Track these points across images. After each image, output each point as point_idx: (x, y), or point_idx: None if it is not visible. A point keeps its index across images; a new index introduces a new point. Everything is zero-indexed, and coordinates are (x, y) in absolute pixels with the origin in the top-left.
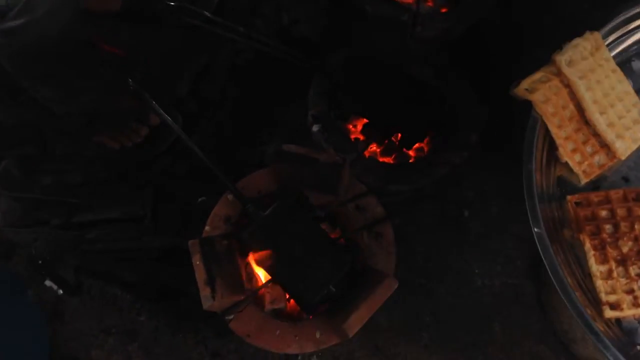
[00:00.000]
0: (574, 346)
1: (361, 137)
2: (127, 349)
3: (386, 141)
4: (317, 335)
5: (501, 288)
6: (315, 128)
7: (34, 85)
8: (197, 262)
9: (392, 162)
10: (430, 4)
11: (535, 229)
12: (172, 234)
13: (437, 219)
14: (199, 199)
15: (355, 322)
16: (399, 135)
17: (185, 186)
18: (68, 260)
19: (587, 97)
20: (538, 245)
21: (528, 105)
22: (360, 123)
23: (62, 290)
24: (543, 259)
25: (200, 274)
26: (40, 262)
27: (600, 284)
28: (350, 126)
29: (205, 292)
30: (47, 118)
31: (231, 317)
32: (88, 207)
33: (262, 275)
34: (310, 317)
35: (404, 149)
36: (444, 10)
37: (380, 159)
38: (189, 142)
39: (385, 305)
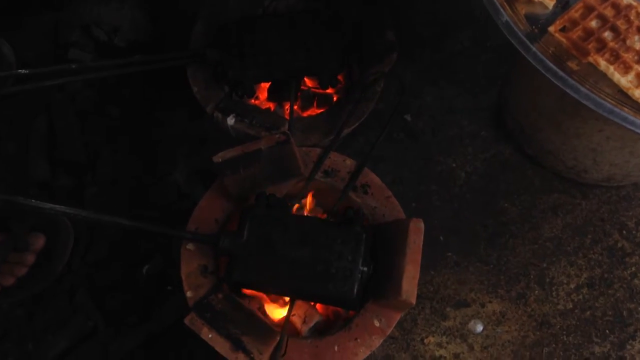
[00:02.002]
0: (585, 175)
1: (271, 106)
2: None
3: (299, 93)
4: (377, 324)
5: (485, 166)
6: (230, 120)
7: None
8: (210, 335)
9: (318, 111)
10: None
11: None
12: (138, 328)
13: (386, 139)
14: (144, 270)
15: (410, 286)
16: (306, 80)
17: (117, 267)
18: None
19: None
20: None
21: None
22: (262, 91)
23: None
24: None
25: (221, 345)
26: None
27: (638, 92)
28: (254, 101)
29: (239, 359)
30: None
31: None
32: (28, 358)
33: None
34: (355, 312)
35: (321, 91)
36: None
37: (305, 115)
38: (105, 218)
39: None
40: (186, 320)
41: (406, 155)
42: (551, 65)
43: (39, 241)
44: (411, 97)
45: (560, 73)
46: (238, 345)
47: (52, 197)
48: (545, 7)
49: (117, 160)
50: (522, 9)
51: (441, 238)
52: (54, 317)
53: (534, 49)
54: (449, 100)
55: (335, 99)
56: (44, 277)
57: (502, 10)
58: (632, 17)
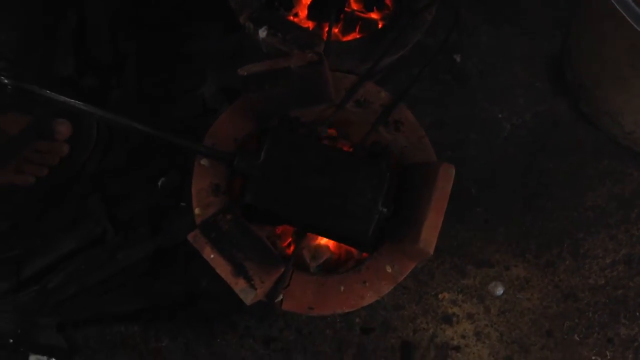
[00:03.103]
0: None
1: (310, 25)
2: None
3: (342, 15)
4: (389, 270)
5: (534, 120)
6: (262, 33)
7: None
8: (212, 256)
9: (359, 36)
10: None
11: None
12: (147, 237)
13: (430, 78)
14: (159, 182)
15: (430, 235)
16: (352, 2)
17: (133, 177)
18: (44, 322)
19: None
20: None
21: None
22: (302, 7)
23: (55, 358)
24: None
25: (222, 268)
26: (11, 340)
27: None
28: (292, 17)
29: (239, 285)
30: None
31: (280, 297)
32: (33, 254)
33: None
34: (368, 254)
35: (365, 15)
36: None
37: (345, 39)
38: (119, 120)
39: None
40: (190, 237)
41: (450, 99)
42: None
43: (65, 128)
44: (464, 35)
45: (636, 9)
46: (240, 270)
47: (75, 95)
48: None
49: (145, 67)
50: None
51: (473, 191)
52: (64, 217)
53: None
54: (506, 42)
55: (380, 25)
56: (70, 166)
57: None
58: None
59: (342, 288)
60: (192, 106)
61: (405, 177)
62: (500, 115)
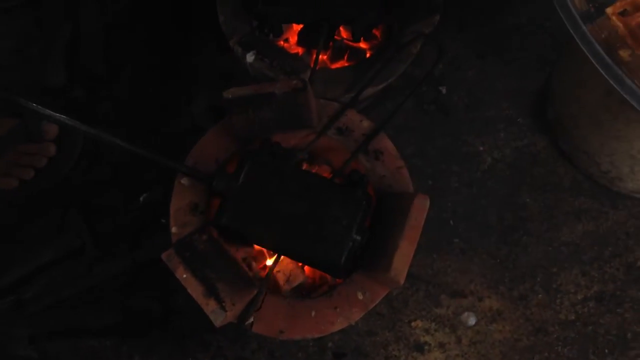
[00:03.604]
0: (619, 183)
1: (300, 51)
2: None
3: (331, 43)
4: (360, 297)
5: (514, 155)
6: (250, 57)
7: None
8: (184, 276)
9: (347, 64)
10: None
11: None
12: (126, 252)
13: (415, 109)
14: (141, 198)
15: (401, 264)
16: (342, 30)
17: (116, 190)
18: (16, 333)
19: None
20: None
21: None
22: (293, 33)
23: None
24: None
25: (194, 288)
26: None
27: None
28: (282, 42)
29: (210, 306)
30: None
31: (251, 320)
32: (9, 263)
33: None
34: (342, 280)
35: (354, 44)
36: None
37: (333, 66)
38: (102, 135)
39: None
40: (163, 256)
41: (433, 130)
42: (599, 49)
43: (53, 128)
44: (452, 68)
45: (607, 60)
46: (211, 291)
47: (65, 107)
48: None
49: (136, 81)
50: None
51: (451, 222)
52: (44, 227)
53: (584, 28)
54: (492, 78)
55: (368, 55)
56: (55, 172)
57: None
58: None
59: (314, 313)
60: (180, 122)
61: (381, 206)
62: (481, 148)
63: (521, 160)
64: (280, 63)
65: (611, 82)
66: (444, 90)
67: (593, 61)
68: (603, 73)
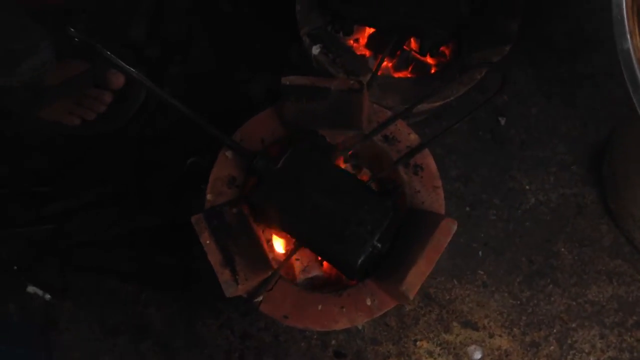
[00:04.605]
0: None
1: (367, 53)
2: (140, 349)
3: (398, 52)
4: (369, 303)
5: (559, 201)
6: (315, 50)
7: None
8: (207, 242)
9: (410, 75)
10: None
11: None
12: (164, 209)
13: (469, 133)
14: (188, 161)
15: (415, 280)
16: (412, 41)
17: (169, 149)
18: (49, 260)
19: None
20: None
21: None
22: (363, 35)
23: (50, 295)
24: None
25: (213, 256)
26: (15, 267)
27: None
28: (352, 42)
29: (224, 276)
30: None
31: (260, 299)
32: (60, 195)
33: (284, 241)
34: (355, 282)
35: (421, 57)
36: None
37: (396, 75)
38: (162, 95)
39: None
40: (193, 219)
41: (483, 158)
42: None
43: (119, 80)
44: (515, 101)
45: None
46: (229, 263)
47: (136, 62)
48: None
49: (206, 54)
50: None
51: (480, 253)
52: (95, 170)
53: None
54: (554, 119)
55: (433, 70)
56: (120, 117)
57: (628, 34)
58: None
59: (320, 307)
60: (238, 100)
61: (409, 220)
62: (527, 187)
63: (565, 208)
64: (343, 61)
65: None
66: (502, 122)
67: None
68: None
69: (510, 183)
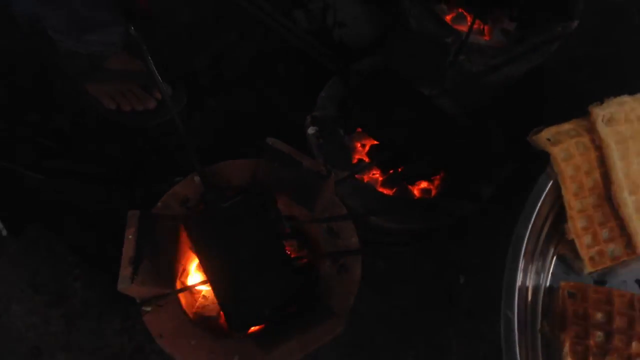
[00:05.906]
0: None
1: (366, 159)
2: (48, 313)
3: (391, 171)
4: (236, 357)
5: None
6: (311, 130)
7: (46, 14)
8: (130, 237)
9: (391, 192)
10: (486, 38)
11: (507, 312)
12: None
13: (428, 276)
14: (176, 179)
15: (281, 356)
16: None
17: (170, 163)
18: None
19: (618, 168)
20: (502, 332)
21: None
22: (369, 144)
23: (7, 231)
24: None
25: (127, 250)
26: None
27: None
28: (359, 145)
29: (125, 271)
30: (51, 53)
31: (148, 309)
32: (65, 155)
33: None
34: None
35: (408, 185)
36: (498, 46)
37: (379, 189)
38: (170, 109)
39: None
40: (129, 212)
41: (423, 301)
42: None
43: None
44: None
45: None
46: (135, 262)
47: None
48: (582, 268)
49: (249, 97)
50: (562, 249)
51: None
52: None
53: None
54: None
55: (417, 195)
56: (149, 119)
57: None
58: (633, 345)
59: (193, 342)
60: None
61: (311, 306)
62: (454, 350)
63: None
64: (328, 150)
65: None
66: (462, 280)
67: None
68: None
69: (441, 340)
